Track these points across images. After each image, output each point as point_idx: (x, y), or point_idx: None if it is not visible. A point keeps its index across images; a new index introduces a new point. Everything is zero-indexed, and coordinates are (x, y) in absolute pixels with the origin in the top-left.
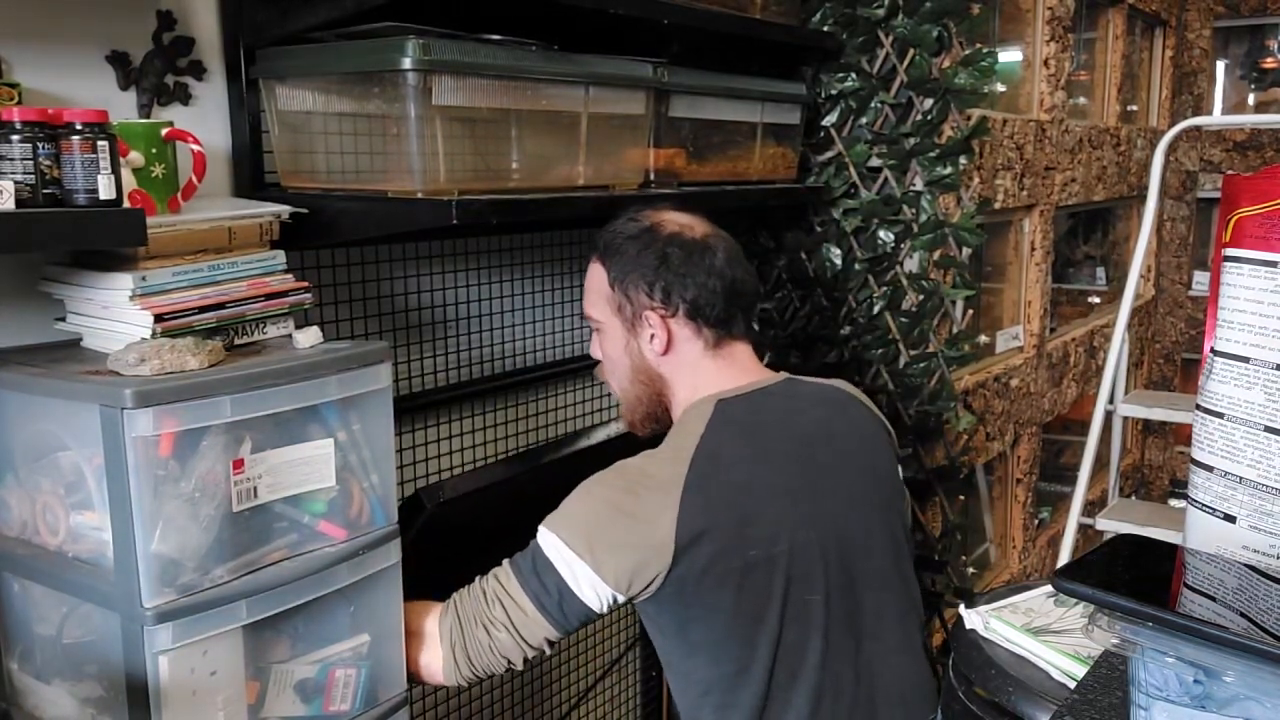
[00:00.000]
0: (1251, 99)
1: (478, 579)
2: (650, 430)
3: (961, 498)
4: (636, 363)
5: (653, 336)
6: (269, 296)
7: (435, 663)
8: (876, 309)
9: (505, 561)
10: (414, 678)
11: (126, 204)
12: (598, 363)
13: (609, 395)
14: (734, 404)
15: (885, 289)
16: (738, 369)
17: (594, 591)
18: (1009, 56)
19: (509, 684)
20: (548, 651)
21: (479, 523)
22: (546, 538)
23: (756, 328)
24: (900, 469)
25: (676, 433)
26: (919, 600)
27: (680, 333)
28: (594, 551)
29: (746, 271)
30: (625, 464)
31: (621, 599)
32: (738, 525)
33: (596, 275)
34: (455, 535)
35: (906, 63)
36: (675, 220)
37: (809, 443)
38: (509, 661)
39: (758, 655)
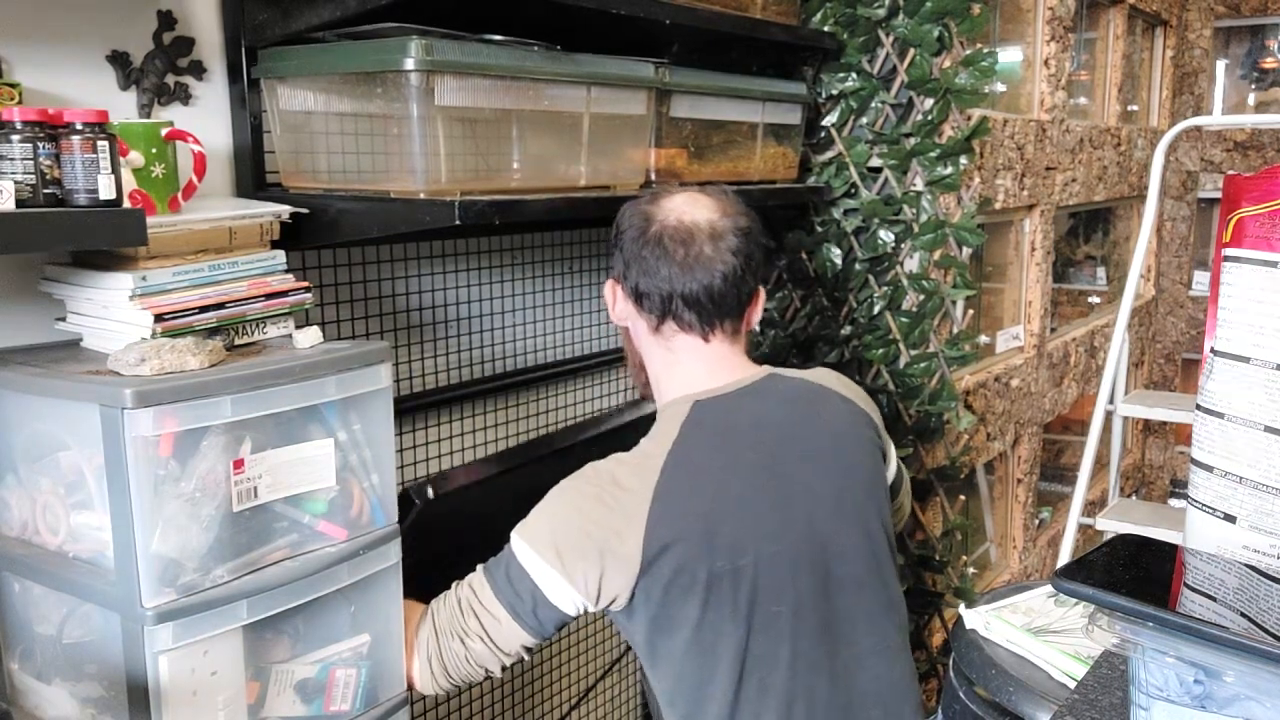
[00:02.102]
0: (1252, 99)
1: (454, 586)
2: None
3: (962, 498)
4: (618, 325)
5: (614, 302)
6: (269, 296)
7: (412, 672)
8: (877, 309)
9: (480, 567)
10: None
11: (126, 204)
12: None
13: (608, 396)
14: (709, 406)
15: (886, 289)
16: (707, 363)
17: (566, 598)
18: (1009, 56)
19: (509, 684)
20: (526, 658)
21: (473, 519)
22: (518, 545)
23: (756, 328)
24: (889, 461)
25: (651, 436)
26: (899, 599)
27: (625, 308)
28: (563, 559)
29: (706, 281)
30: (596, 468)
31: (593, 608)
32: (704, 537)
33: None
34: (448, 532)
35: (907, 63)
36: (665, 205)
37: (781, 447)
38: (486, 670)
39: (722, 666)
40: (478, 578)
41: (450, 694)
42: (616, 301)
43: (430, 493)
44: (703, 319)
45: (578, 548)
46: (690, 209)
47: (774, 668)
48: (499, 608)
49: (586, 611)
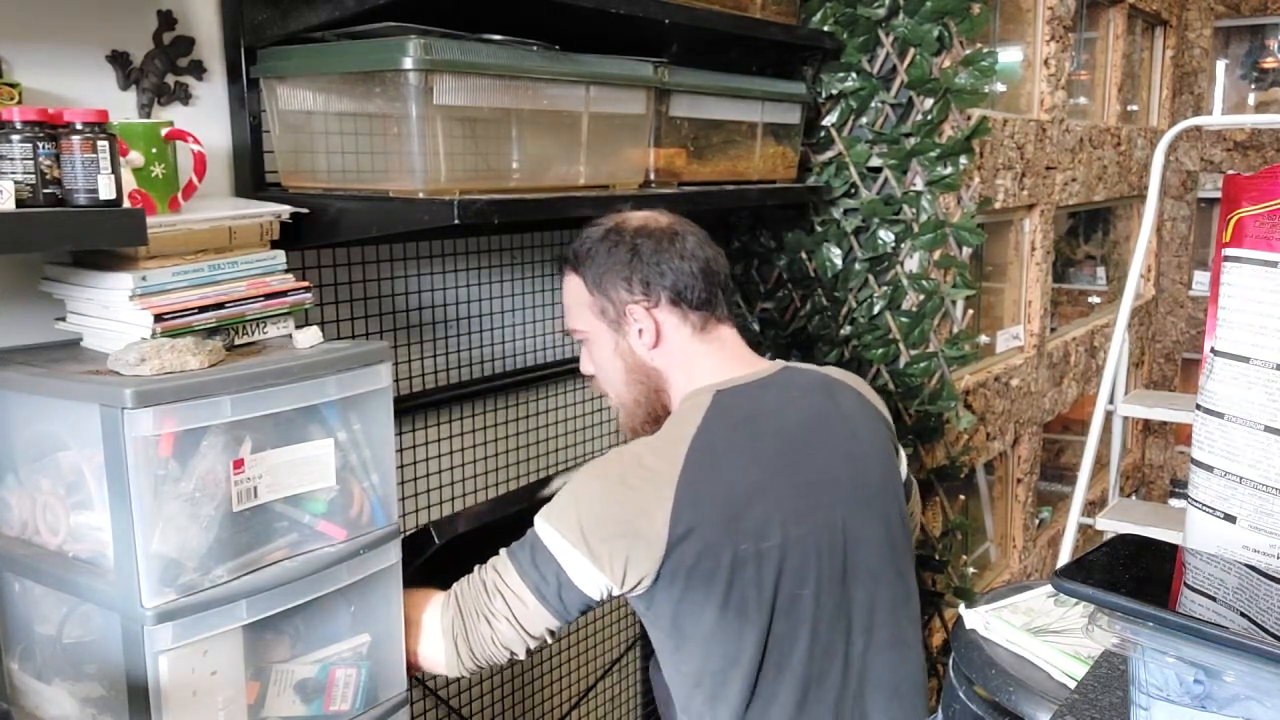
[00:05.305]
0: (1251, 99)
1: (477, 569)
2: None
3: (962, 498)
4: (629, 362)
5: (640, 331)
6: (269, 296)
7: (437, 654)
8: (877, 309)
9: (503, 551)
10: (413, 668)
11: (126, 204)
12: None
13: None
14: (731, 395)
15: (885, 289)
16: (731, 356)
17: (591, 581)
18: (1009, 56)
19: (509, 683)
20: (549, 641)
21: (484, 552)
22: (543, 529)
23: (751, 318)
24: (902, 456)
25: (674, 422)
26: (914, 593)
27: (667, 321)
28: (589, 542)
29: (717, 252)
30: (621, 452)
31: (617, 591)
32: (729, 520)
33: (573, 286)
34: (459, 563)
35: (907, 62)
36: (638, 215)
37: (801, 435)
38: (511, 652)
39: (746, 648)
40: (502, 561)
41: (475, 677)
42: (654, 322)
43: (455, 530)
44: (726, 294)
45: (603, 531)
46: (652, 214)
47: (792, 651)
48: (524, 590)
49: (610, 596)
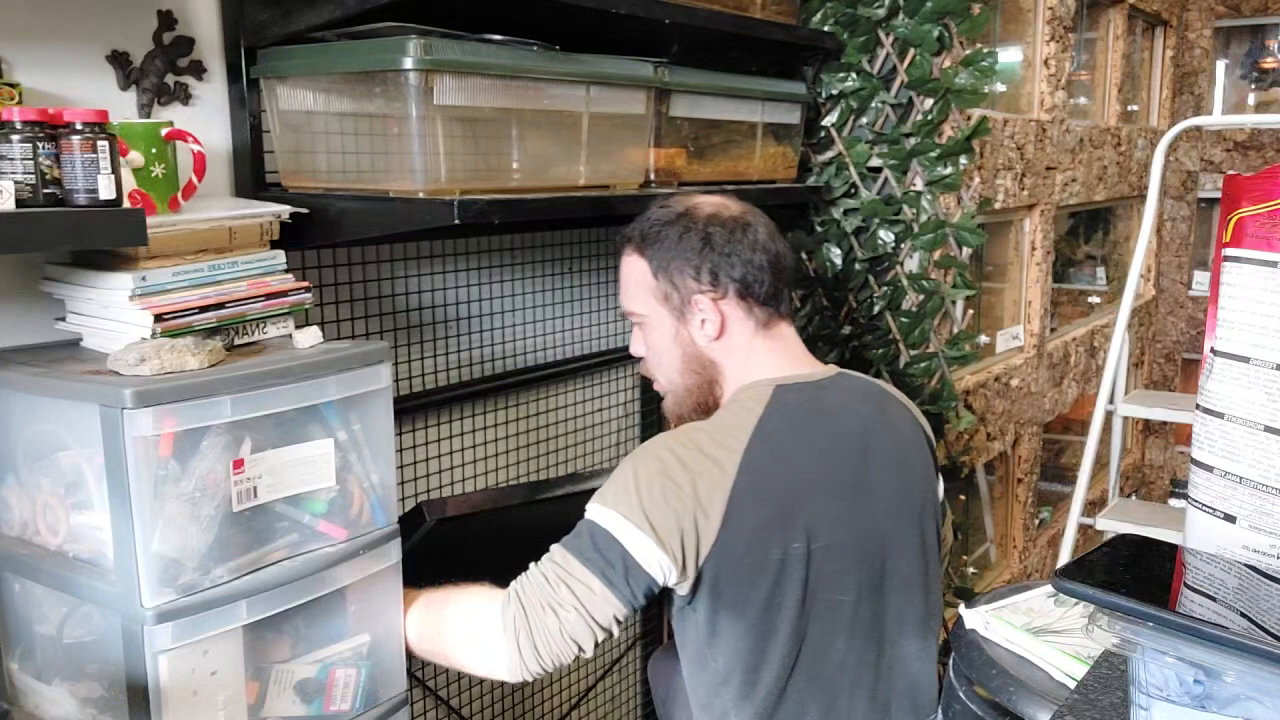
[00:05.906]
0: (1251, 99)
1: (533, 565)
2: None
3: (962, 498)
4: (688, 351)
5: (704, 322)
6: (269, 296)
7: (498, 655)
8: (877, 309)
9: (555, 547)
10: (408, 658)
11: (126, 204)
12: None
13: (608, 395)
14: (791, 392)
15: (885, 289)
16: (790, 355)
17: (655, 561)
18: (1009, 56)
19: (508, 684)
20: (615, 633)
21: (476, 545)
22: (601, 513)
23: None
24: (940, 479)
25: (732, 411)
26: (940, 608)
27: (732, 314)
28: (651, 520)
29: (785, 245)
30: (675, 436)
31: (674, 577)
32: (783, 516)
33: (635, 268)
34: (451, 552)
35: (907, 62)
36: (709, 201)
37: (856, 441)
38: (579, 646)
39: (779, 650)
40: (559, 553)
41: (539, 679)
42: (720, 314)
43: (444, 512)
44: (790, 289)
45: (665, 510)
46: (722, 201)
47: (826, 657)
48: (590, 576)
49: (666, 581)
